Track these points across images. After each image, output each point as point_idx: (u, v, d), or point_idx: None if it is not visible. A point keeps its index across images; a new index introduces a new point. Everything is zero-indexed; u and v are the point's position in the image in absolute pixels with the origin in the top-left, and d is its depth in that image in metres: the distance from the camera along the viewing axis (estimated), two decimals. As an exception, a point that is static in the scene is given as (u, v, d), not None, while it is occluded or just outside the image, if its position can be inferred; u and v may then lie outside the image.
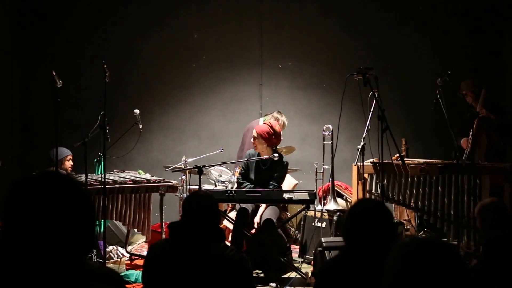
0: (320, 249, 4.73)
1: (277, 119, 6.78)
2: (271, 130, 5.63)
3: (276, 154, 5.66)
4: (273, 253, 5.30)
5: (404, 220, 6.37)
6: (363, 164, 5.42)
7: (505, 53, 7.73)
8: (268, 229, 5.28)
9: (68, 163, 6.16)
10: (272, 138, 5.63)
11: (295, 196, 5.14)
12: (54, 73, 4.92)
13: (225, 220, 5.85)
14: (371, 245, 2.27)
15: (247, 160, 5.70)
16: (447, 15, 7.89)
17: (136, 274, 5.02)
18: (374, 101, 5.17)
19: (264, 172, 5.67)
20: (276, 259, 5.27)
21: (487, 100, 5.90)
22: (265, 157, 5.61)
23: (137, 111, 5.73)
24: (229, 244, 5.60)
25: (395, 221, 5.71)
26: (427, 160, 5.78)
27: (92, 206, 1.36)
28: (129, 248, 6.09)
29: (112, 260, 5.77)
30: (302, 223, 6.05)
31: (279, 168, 5.63)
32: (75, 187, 1.33)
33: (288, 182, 6.59)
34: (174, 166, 6.21)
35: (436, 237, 1.66)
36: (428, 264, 1.49)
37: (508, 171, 5.23)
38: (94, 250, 4.97)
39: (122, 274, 5.06)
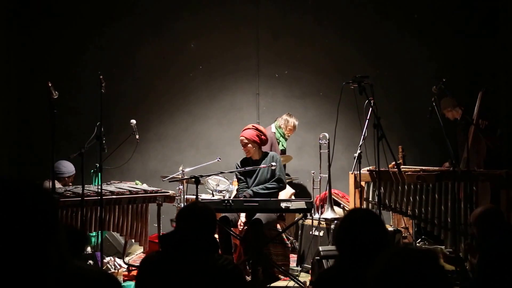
0: (318, 258, 4.72)
1: (286, 121, 6.98)
2: (259, 132, 5.76)
3: (274, 163, 5.69)
4: (273, 262, 5.30)
5: (402, 227, 6.37)
6: (360, 172, 5.43)
7: (500, 60, 7.76)
8: (255, 229, 5.24)
9: (69, 182, 6.23)
10: (262, 138, 5.78)
11: (292, 205, 5.13)
12: (50, 84, 4.93)
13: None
14: (364, 254, 2.27)
15: (245, 169, 5.69)
16: (442, 22, 7.93)
17: (134, 285, 5.00)
18: (370, 109, 5.19)
19: (262, 173, 5.73)
20: (275, 268, 5.27)
21: (483, 103, 5.93)
22: (263, 165, 5.63)
23: (133, 121, 5.74)
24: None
25: (393, 229, 5.71)
26: (423, 168, 5.79)
27: (49, 206, 1.36)
28: (126, 259, 6.08)
29: (110, 272, 5.76)
30: (299, 232, 6.05)
31: (275, 165, 5.70)
32: (23, 190, 1.34)
33: (285, 191, 6.59)
34: (171, 176, 6.22)
35: (414, 247, 1.69)
36: (409, 276, 1.51)
37: (504, 178, 5.24)
38: (91, 262, 4.95)
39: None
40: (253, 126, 5.83)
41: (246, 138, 5.74)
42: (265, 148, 7.00)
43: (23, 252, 1.30)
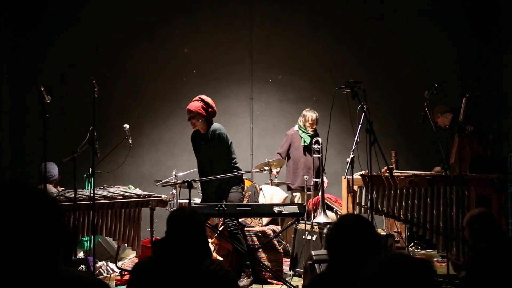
0: (310, 262, 4.72)
1: (304, 116, 6.95)
2: (204, 103, 5.54)
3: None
4: (262, 264, 5.30)
5: (394, 232, 6.39)
6: (352, 176, 5.44)
7: (493, 66, 7.81)
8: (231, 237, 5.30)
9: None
10: (209, 111, 5.57)
11: (285, 210, 5.14)
12: (42, 89, 4.92)
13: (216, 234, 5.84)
14: (356, 259, 2.28)
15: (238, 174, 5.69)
16: (435, 27, 7.98)
17: (126, 289, 4.98)
18: (363, 114, 5.20)
19: (204, 148, 5.60)
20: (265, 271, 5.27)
21: (468, 108, 5.98)
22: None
23: (126, 125, 5.73)
24: (220, 259, 5.60)
25: (385, 233, 5.73)
26: (416, 172, 5.81)
27: (54, 212, 1.35)
28: (119, 264, 6.07)
29: (102, 276, 5.75)
30: (292, 236, 6.06)
31: (215, 143, 5.51)
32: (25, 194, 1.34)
33: (279, 195, 6.60)
34: (164, 181, 6.21)
35: (406, 255, 1.70)
36: (399, 282, 1.52)
37: (495, 182, 5.27)
38: (83, 266, 4.95)
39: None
40: (199, 97, 5.61)
41: (191, 109, 5.52)
42: (283, 148, 7.03)
43: (19, 258, 1.30)
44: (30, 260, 1.31)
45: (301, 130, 7.13)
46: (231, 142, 5.60)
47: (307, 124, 7.03)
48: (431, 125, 5.28)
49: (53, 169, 6.10)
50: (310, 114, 7.03)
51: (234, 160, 5.59)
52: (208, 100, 5.60)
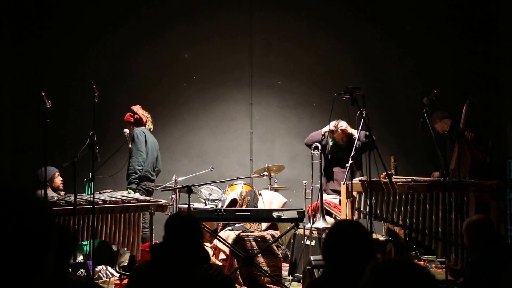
0: (309, 267, 4.74)
1: (336, 126, 6.44)
2: (130, 112, 6.31)
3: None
4: (260, 268, 5.31)
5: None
6: (351, 182, 5.45)
7: (490, 73, 7.84)
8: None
9: (58, 180, 6.24)
10: (135, 117, 6.27)
11: (284, 215, 5.15)
12: (43, 94, 4.94)
13: (215, 239, 5.85)
14: (350, 265, 2.29)
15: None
16: (434, 34, 8.01)
17: (125, 294, 4.99)
18: (362, 120, 5.22)
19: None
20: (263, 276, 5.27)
21: (469, 114, 6.01)
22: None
23: (126, 130, 5.78)
24: (219, 263, 5.61)
25: (384, 239, 5.74)
26: (415, 178, 5.82)
27: (41, 216, 1.35)
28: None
29: (101, 280, 5.75)
30: (291, 241, 6.06)
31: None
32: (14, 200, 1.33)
33: (278, 200, 6.61)
34: (164, 185, 6.23)
35: (407, 259, 1.70)
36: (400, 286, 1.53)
37: (494, 189, 5.28)
38: (82, 270, 4.95)
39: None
40: (130, 108, 6.34)
41: (124, 120, 6.32)
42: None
43: (10, 264, 1.29)
44: (16, 266, 1.29)
45: (331, 141, 6.96)
46: (148, 146, 6.26)
47: (336, 134, 6.60)
48: (430, 131, 5.30)
49: (43, 172, 6.10)
50: (341, 124, 6.35)
51: (144, 163, 6.18)
52: (134, 108, 6.37)
